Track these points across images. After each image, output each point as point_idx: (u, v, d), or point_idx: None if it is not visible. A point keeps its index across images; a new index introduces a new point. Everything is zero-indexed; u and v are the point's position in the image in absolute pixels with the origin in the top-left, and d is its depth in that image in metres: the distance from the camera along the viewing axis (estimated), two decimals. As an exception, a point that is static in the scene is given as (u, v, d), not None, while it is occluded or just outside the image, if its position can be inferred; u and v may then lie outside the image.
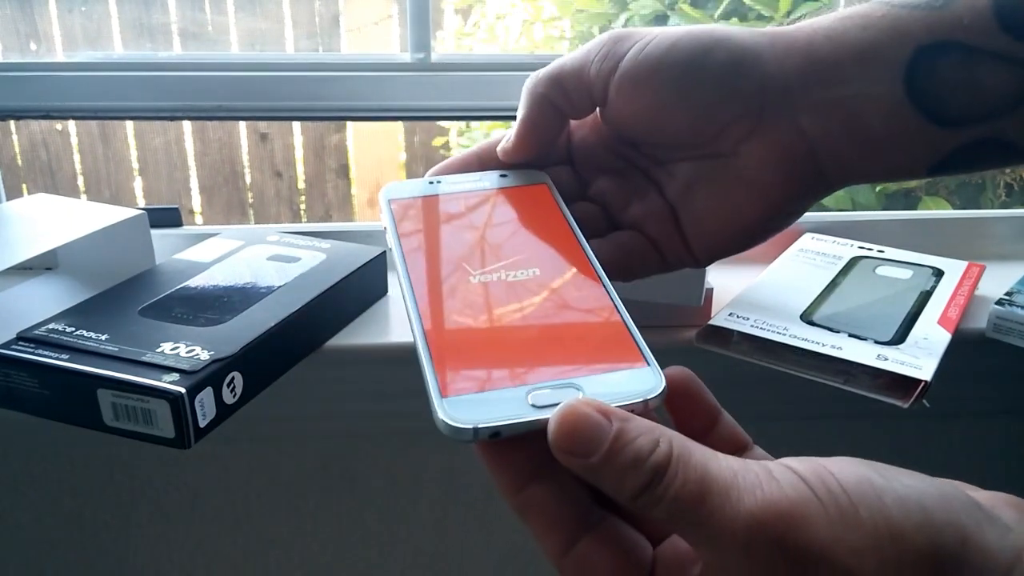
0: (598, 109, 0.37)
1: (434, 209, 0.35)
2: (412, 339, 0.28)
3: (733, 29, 0.34)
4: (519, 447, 0.24)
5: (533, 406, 0.25)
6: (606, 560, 0.24)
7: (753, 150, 0.34)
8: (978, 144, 0.32)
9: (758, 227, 0.35)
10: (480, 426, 0.24)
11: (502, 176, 0.36)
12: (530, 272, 0.31)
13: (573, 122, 0.38)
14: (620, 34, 0.35)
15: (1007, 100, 0.31)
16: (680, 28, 0.34)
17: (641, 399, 0.25)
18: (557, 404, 0.23)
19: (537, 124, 0.36)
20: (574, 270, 0.31)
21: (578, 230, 0.33)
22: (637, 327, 0.29)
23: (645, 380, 0.26)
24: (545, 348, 0.28)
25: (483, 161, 0.37)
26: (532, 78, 0.36)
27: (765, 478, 0.22)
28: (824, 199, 1.12)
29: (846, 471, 0.23)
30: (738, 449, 0.29)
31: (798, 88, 0.33)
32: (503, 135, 0.37)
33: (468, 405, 0.25)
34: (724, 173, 0.34)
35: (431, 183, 0.36)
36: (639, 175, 0.37)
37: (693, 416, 0.29)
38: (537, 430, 0.24)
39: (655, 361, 0.27)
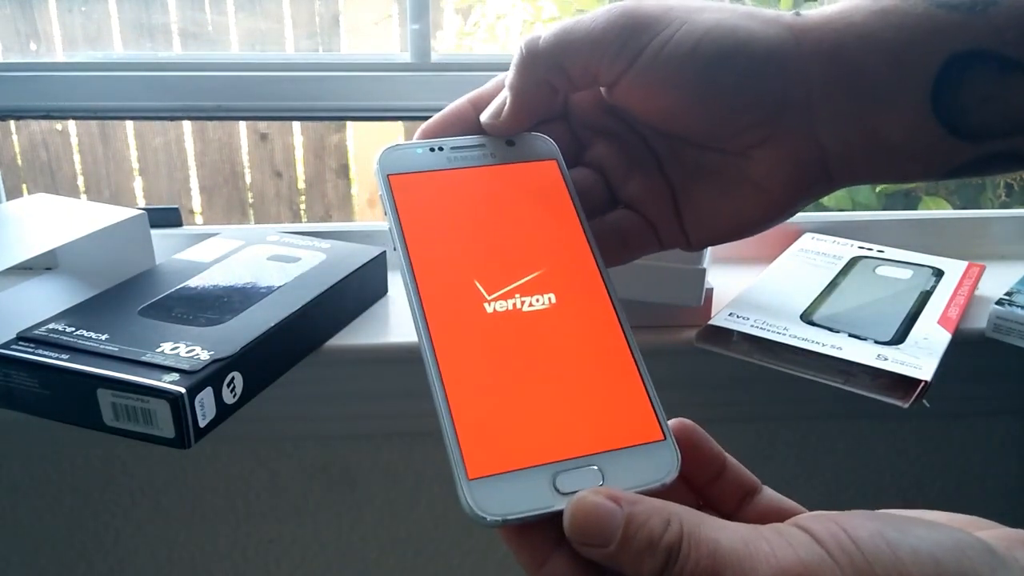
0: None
1: (439, 194, 0.31)
2: (433, 400, 0.27)
3: (757, 27, 0.31)
4: (540, 525, 0.25)
5: (558, 491, 0.25)
6: None
7: (765, 156, 0.32)
8: (995, 156, 0.32)
9: (758, 224, 0.34)
10: (509, 517, 0.24)
11: (509, 144, 0.33)
12: (545, 300, 0.29)
13: None
14: (637, 22, 0.31)
15: None
16: (702, 22, 0.31)
17: (659, 483, 0.26)
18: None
19: (533, 101, 0.33)
20: (592, 300, 0.30)
21: (589, 231, 0.32)
22: (639, 349, 0.28)
23: (663, 458, 0.27)
24: (567, 418, 0.27)
25: (478, 110, 0.35)
26: (530, 51, 0.32)
27: (777, 544, 0.22)
28: (824, 199, 1.12)
29: (859, 527, 0.23)
30: (748, 492, 0.29)
31: (820, 97, 0.31)
32: (493, 88, 0.35)
33: (494, 490, 0.25)
34: (730, 170, 0.33)
35: (432, 150, 0.32)
36: (639, 142, 0.35)
37: (700, 466, 0.29)
38: (558, 515, 0.24)
39: (670, 432, 0.28)
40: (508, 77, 0.34)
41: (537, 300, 0.29)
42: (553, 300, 0.29)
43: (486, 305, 0.29)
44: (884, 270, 0.59)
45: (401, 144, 0.33)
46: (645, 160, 0.35)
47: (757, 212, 0.34)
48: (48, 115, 0.62)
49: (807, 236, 0.65)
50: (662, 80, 0.31)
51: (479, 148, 0.33)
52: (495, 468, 0.25)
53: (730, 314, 0.51)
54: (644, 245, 0.35)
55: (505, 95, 0.34)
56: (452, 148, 0.33)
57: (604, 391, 0.28)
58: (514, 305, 0.29)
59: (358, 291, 0.55)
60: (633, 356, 0.29)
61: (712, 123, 0.32)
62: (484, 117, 0.34)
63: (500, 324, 0.28)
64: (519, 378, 0.28)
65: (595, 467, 0.26)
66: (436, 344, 0.28)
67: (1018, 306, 0.52)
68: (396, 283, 0.60)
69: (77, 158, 1.69)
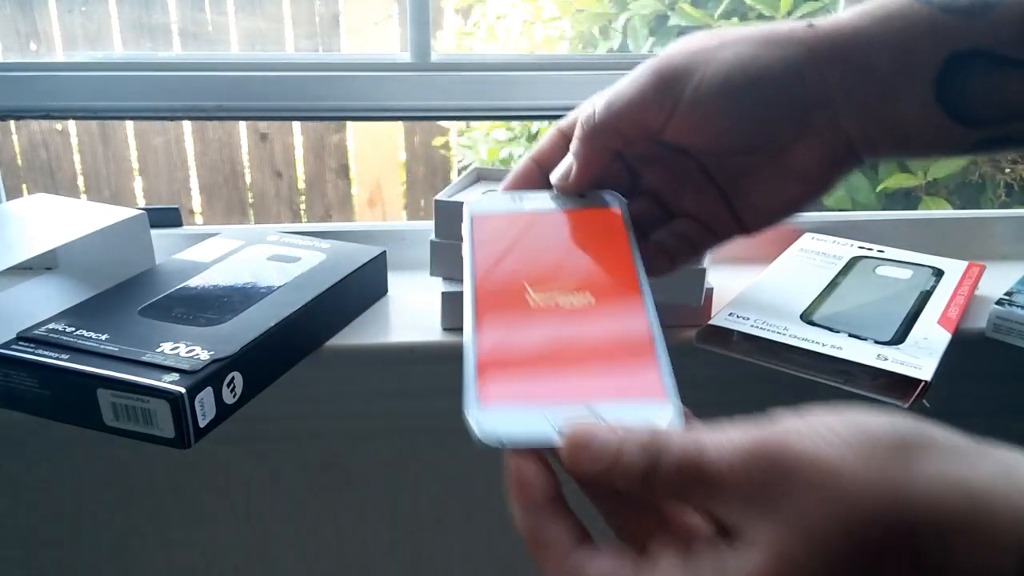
0: None
1: (510, 226, 0.37)
2: (463, 342, 0.31)
3: (774, 52, 0.36)
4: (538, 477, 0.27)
5: (553, 427, 0.27)
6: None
7: (801, 149, 0.37)
8: (997, 139, 0.36)
9: (804, 203, 0.39)
10: (505, 441, 0.28)
11: (580, 196, 0.39)
12: (584, 299, 0.33)
13: None
14: (668, 76, 0.36)
15: None
16: (724, 60, 0.36)
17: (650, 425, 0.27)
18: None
19: (596, 165, 0.39)
20: (626, 302, 0.33)
21: (639, 262, 0.35)
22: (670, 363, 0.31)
23: (662, 413, 0.29)
24: (578, 372, 0.30)
25: (544, 170, 0.40)
26: (589, 126, 0.38)
27: (748, 425, 0.26)
28: (823, 199, 1.11)
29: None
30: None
31: (839, 96, 0.35)
32: (551, 145, 0.40)
33: (499, 416, 0.28)
34: (773, 166, 0.38)
35: (513, 200, 0.39)
36: (687, 161, 0.39)
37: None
38: (553, 446, 0.27)
39: (677, 398, 0.30)
40: (573, 146, 0.39)
41: (576, 301, 0.33)
42: (592, 302, 0.33)
43: (529, 297, 0.33)
44: (884, 270, 0.59)
45: (489, 195, 0.40)
46: (694, 176, 0.39)
47: (801, 194, 0.38)
48: (48, 115, 0.62)
49: (807, 236, 0.65)
50: (702, 116, 0.36)
51: (553, 198, 0.39)
52: (503, 400, 0.29)
53: (730, 314, 0.51)
54: (706, 243, 0.40)
55: (571, 161, 0.39)
56: (531, 199, 0.39)
57: (616, 353, 0.31)
58: (555, 302, 0.33)
59: (358, 291, 0.55)
60: (652, 330, 0.32)
61: (751, 137, 0.37)
62: (554, 180, 0.40)
63: (538, 305, 0.33)
64: (542, 336, 0.32)
65: (595, 411, 0.28)
66: (477, 301, 0.33)
67: (1018, 306, 0.52)
68: (396, 283, 0.60)
69: (77, 158, 1.69)
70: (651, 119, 0.37)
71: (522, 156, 0.41)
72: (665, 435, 0.26)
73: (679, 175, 0.40)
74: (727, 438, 0.25)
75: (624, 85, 0.37)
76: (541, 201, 0.39)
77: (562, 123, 0.41)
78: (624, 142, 0.38)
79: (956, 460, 0.23)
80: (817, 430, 0.25)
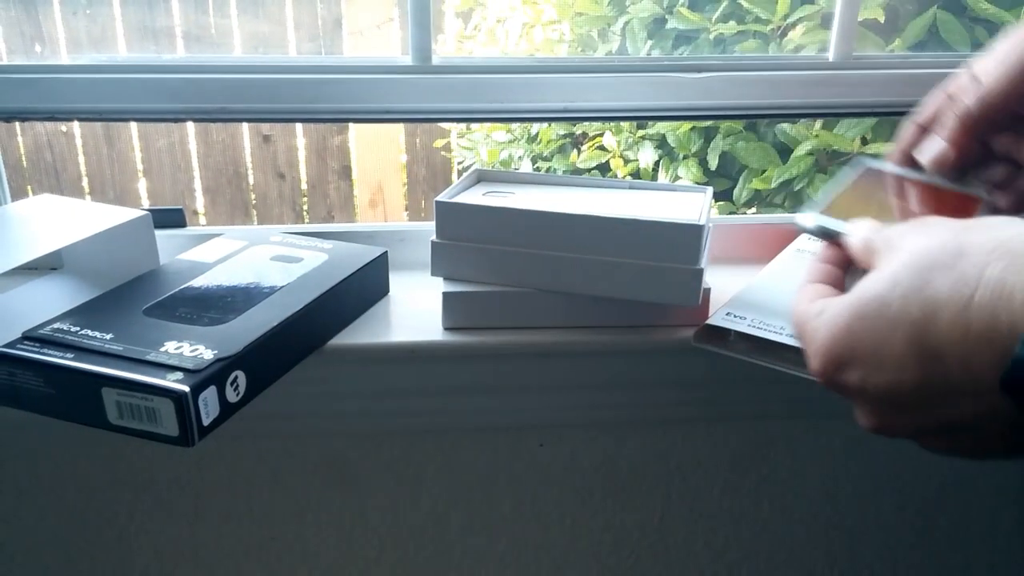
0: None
1: (884, 182, 0.49)
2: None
3: None
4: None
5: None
6: None
7: None
8: None
9: None
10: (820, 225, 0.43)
11: (947, 178, 0.47)
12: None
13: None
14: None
15: None
16: None
17: None
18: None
19: (970, 152, 0.46)
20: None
21: None
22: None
23: None
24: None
25: (907, 158, 0.49)
26: (967, 121, 0.45)
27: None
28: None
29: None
30: None
31: None
32: (912, 135, 0.49)
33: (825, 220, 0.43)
34: None
35: (899, 171, 0.49)
36: None
37: None
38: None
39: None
40: (947, 135, 0.46)
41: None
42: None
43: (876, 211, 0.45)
44: (881, 271, 0.60)
45: (881, 160, 0.51)
46: None
47: None
48: (53, 117, 0.63)
49: (804, 236, 0.66)
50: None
51: (923, 175, 0.48)
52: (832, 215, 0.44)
53: (727, 314, 0.51)
54: None
55: (942, 146, 0.46)
56: (910, 171, 0.49)
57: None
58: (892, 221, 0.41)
59: (360, 291, 0.56)
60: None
61: None
62: (927, 162, 0.47)
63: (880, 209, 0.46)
64: (877, 206, 0.46)
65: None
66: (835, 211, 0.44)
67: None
68: (397, 283, 0.61)
69: (82, 159, 1.70)
70: (1008, 96, 0.43)
71: (888, 148, 0.51)
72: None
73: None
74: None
75: (994, 77, 0.43)
76: (916, 174, 0.48)
77: (918, 118, 0.48)
78: (996, 129, 0.44)
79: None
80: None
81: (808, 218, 0.44)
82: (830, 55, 0.66)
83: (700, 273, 0.50)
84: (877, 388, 0.34)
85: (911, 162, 0.49)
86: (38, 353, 0.42)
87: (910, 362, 0.32)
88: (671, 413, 0.62)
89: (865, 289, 0.34)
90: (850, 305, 0.35)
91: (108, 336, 0.44)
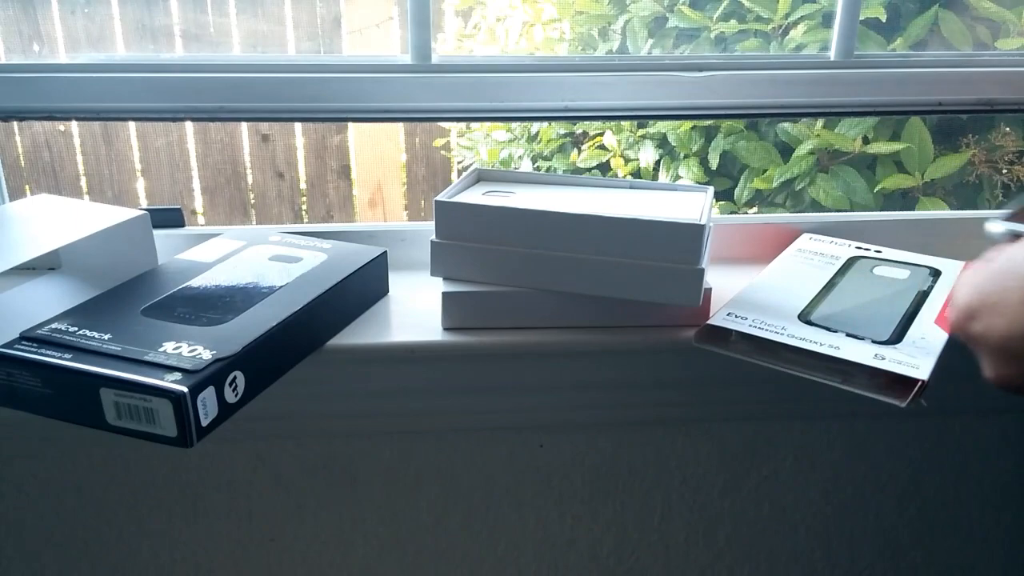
0: None
1: None
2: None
3: None
4: None
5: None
6: None
7: None
8: None
9: None
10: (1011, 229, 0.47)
11: None
12: None
13: None
14: None
15: None
16: None
17: None
18: None
19: None
20: None
21: None
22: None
23: None
24: None
25: None
26: None
27: None
28: (822, 199, 1.11)
29: None
30: None
31: None
32: None
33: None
34: None
35: None
36: None
37: None
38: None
39: None
40: None
41: None
42: None
43: None
44: (881, 270, 0.59)
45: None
46: None
47: None
48: (51, 116, 0.62)
49: (805, 236, 0.66)
50: None
51: None
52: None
53: (728, 314, 0.51)
54: None
55: None
56: None
57: None
58: None
59: (359, 291, 0.56)
60: None
61: None
62: None
63: None
64: None
65: None
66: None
67: (1015, 306, 0.53)
68: (397, 283, 0.60)
69: (80, 159, 1.70)
70: None
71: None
72: None
73: None
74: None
75: None
76: None
77: None
78: None
79: None
80: None
81: (997, 225, 0.49)
82: (831, 54, 0.66)
83: (701, 273, 0.50)
84: (995, 336, 0.38)
85: None
86: (36, 353, 0.42)
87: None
88: (671, 413, 0.62)
89: (1004, 251, 0.39)
90: (988, 263, 0.39)
91: (106, 336, 0.44)
